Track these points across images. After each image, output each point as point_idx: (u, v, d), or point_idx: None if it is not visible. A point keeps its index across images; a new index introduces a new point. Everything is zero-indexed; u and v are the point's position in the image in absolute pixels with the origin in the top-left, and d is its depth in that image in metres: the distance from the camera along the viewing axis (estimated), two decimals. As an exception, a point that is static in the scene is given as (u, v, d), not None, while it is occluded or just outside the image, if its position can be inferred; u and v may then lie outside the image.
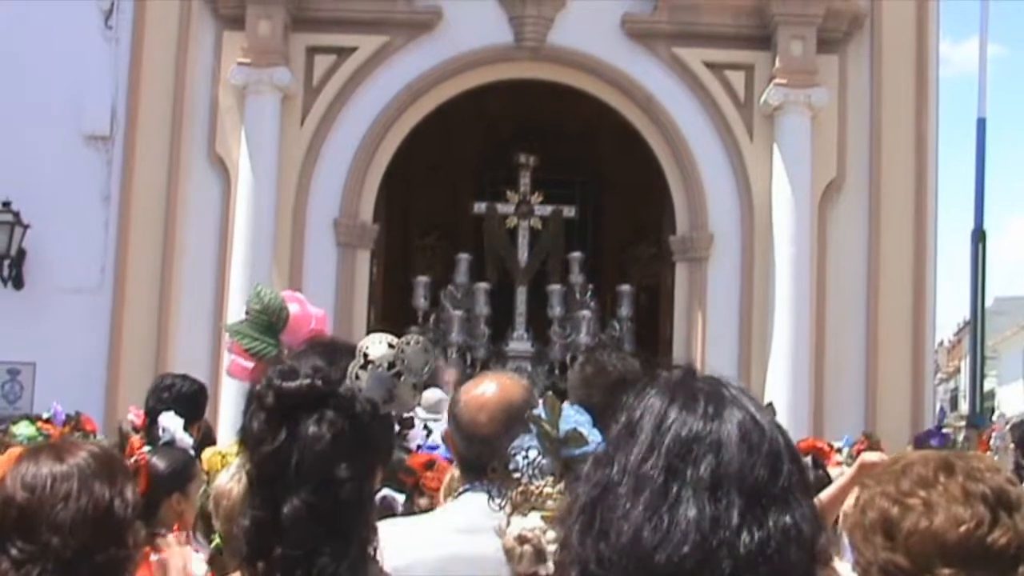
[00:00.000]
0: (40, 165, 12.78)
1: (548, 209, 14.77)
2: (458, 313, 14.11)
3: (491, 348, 14.26)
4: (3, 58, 12.89)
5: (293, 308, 3.05)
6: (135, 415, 6.32)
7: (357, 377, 2.07)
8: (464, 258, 14.71)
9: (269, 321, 2.99)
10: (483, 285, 14.37)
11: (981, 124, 14.75)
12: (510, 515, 2.22)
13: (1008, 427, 5.21)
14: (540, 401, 2.47)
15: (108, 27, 13.10)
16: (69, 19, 12.96)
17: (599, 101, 13.57)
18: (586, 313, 14.21)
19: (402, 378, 2.09)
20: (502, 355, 14.12)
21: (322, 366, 2.10)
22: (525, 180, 14.75)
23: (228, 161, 12.82)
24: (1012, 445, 5.11)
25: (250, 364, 2.98)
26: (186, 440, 5.27)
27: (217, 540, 4.12)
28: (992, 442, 5.11)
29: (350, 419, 2.06)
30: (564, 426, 2.33)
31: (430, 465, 4.75)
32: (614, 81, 13.25)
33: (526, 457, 2.27)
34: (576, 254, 14.79)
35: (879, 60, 13.18)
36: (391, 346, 2.11)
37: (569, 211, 14.92)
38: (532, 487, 2.21)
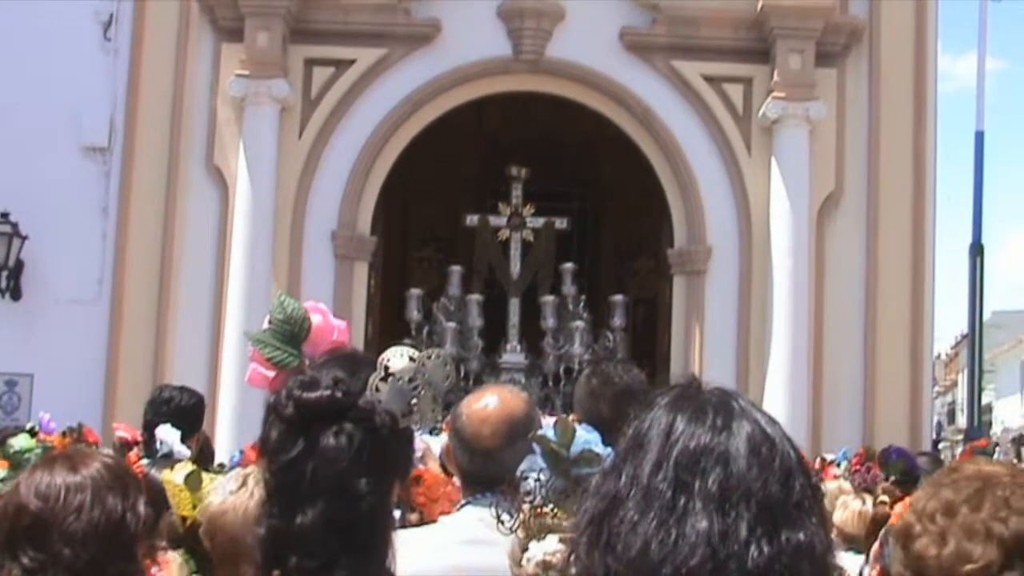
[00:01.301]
0: (38, 176, 12.77)
1: (540, 221, 14.75)
2: (451, 325, 14.08)
3: (484, 360, 14.23)
4: (2, 70, 12.90)
5: (316, 319, 3.05)
6: (124, 431, 6.28)
7: (377, 389, 2.06)
8: (456, 270, 14.70)
9: (291, 331, 2.99)
10: (475, 297, 14.34)
11: (979, 138, 14.82)
12: (525, 539, 2.19)
13: (1011, 441, 5.19)
14: (550, 421, 2.46)
15: (107, 39, 13.10)
16: (68, 31, 12.97)
17: (598, 114, 13.58)
18: (579, 324, 14.18)
19: (422, 392, 2.09)
20: (495, 367, 14.10)
21: (343, 378, 2.09)
22: (517, 192, 14.73)
23: (226, 173, 12.82)
24: (1015, 460, 5.10)
25: (271, 373, 2.98)
26: (184, 452, 5.25)
27: (182, 557, 4.11)
28: (995, 456, 5.08)
29: (369, 432, 2.06)
30: (575, 448, 2.32)
31: (417, 480, 4.66)
32: (612, 94, 13.26)
33: (537, 480, 2.25)
34: (568, 265, 14.75)
35: (878, 74, 13.20)
36: (412, 359, 2.10)
37: (561, 223, 14.89)
38: (547, 510, 2.19)
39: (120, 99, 13.03)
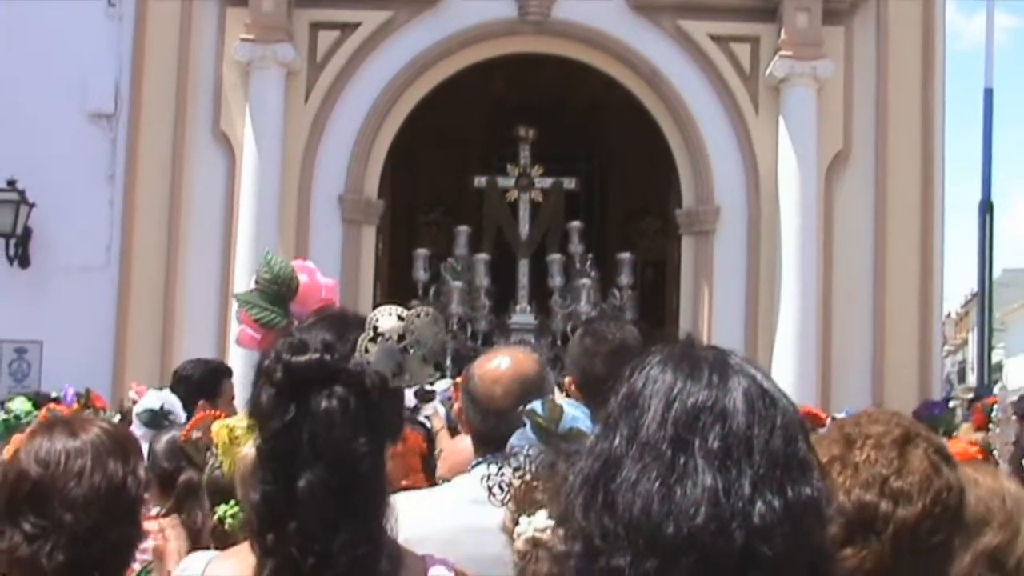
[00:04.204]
0: (45, 144, 12.76)
1: (549, 182, 14.69)
2: (458, 285, 14.04)
3: (493, 321, 14.19)
4: (6, 37, 12.87)
5: (303, 278, 3.03)
6: (137, 392, 6.33)
7: (367, 350, 2.05)
8: (463, 230, 14.61)
9: (279, 291, 2.97)
10: (483, 257, 14.24)
11: (988, 95, 14.74)
12: (516, 512, 2.19)
13: (1010, 400, 5.18)
14: (541, 401, 2.48)
15: (111, 4, 13.05)
16: (72, -3, 12.93)
17: (605, 75, 13.52)
18: (586, 282, 14.11)
19: (411, 351, 2.08)
20: (505, 328, 14.08)
21: (332, 340, 2.08)
22: (525, 153, 14.67)
23: (232, 138, 12.80)
24: (1014, 417, 5.08)
25: (259, 334, 2.97)
26: (158, 403, 5.26)
27: (220, 512, 4.09)
28: (994, 414, 5.08)
29: (360, 394, 2.05)
30: (563, 425, 2.33)
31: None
32: (619, 55, 13.19)
33: (527, 455, 2.25)
34: (575, 223, 14.67)
35: (886, 31, 13.11)
36: (401, 318, 2.09)
37: (569, 183, 14.82)
38: (536, 483, 2.18)
39: (125, 65, 13.00)
